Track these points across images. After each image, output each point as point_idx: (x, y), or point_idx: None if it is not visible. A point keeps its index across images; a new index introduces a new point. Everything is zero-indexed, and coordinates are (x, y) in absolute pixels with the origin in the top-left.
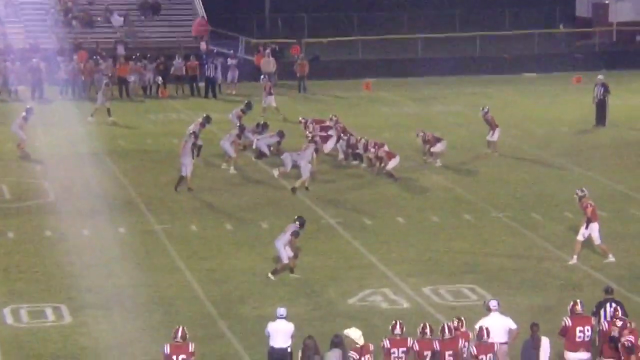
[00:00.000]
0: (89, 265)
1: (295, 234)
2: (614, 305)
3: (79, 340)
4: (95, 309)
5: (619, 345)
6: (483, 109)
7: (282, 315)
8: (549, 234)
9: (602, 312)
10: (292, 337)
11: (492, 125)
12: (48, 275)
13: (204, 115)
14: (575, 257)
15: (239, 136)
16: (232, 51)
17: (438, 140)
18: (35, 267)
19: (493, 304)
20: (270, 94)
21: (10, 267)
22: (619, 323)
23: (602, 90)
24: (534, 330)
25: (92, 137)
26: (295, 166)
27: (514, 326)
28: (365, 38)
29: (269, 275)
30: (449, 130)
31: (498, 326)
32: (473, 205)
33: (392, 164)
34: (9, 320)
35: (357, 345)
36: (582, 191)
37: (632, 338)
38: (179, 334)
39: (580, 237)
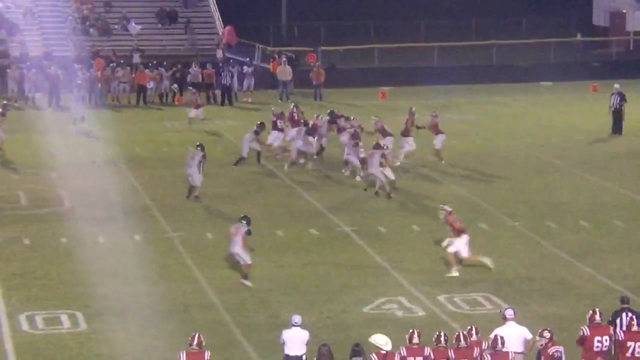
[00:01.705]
0: (104, 272)
1: (249, 232)
2: (630, 315)
3: (94, 347)
4: (110, 316)
5: (544, 356)
6: (432, 112)
7: (297, 323)
8: (565, 243)
9: (618, 321)
10: (307, 344)
11: (436, 131)
12: (64, 282)
13: (258, 122)
14: (454, 269)
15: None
16: (248, 59)
17: (387, 134)
18: (50, 274)
19: (509, 313)
20: (199, 106)
21: (26, 274)
22: (547, 334)
23: (618, 99)
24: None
25: (108, 145)
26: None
27: (529, 336)
28: (382, 46)
29: (243, 281)
30: (464, 139)
31: (514, 336)
32: (488, 214)
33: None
34: (25, 326)
35: (382, 352)
36: (449, 207)
37: (560, 349)
38: (195, 341)
39: (452, 249)
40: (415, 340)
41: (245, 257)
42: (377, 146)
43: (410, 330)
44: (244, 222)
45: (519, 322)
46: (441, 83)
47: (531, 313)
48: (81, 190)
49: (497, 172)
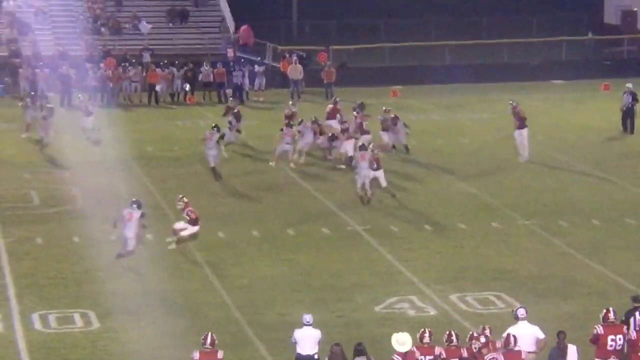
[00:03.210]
0: (116, 271)
1: (143, 215)
2: None
3: (106, 346)
4: (123, 315)
5: None
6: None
7: (308, 322)
8: (576, 242)
9: (631, 320)
10: (319, 343)
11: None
12: (76, 281)
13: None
14: (172, 239)
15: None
16: (259, 58)
17: (365, 132)
18: (63, 273)
19: (521, 312)
20: (89, 114)
21: (39, 273)
22: (482, 339)
23: (630, 99)
24: (560, 338)
25: (119, 144)
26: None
27: (542, 335)
28: (393, 45)
29: (118, 258)
30: (475, 137)
31: (526, 335)
32: (500, 212)
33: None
34: (38, 325)
35: (403, 351)
36: (186, 199)
37: (495, 355)
38: (208, 340)
39: (185, 233)
40: (426, 339)
41: (132, 243)
42: (363, 147)
43: (422, 329)
44: (134, 206)
45: (531, 321)
46: (452, 81)
47: (543, 312)
48: (93, 189)
49: (509, 170)
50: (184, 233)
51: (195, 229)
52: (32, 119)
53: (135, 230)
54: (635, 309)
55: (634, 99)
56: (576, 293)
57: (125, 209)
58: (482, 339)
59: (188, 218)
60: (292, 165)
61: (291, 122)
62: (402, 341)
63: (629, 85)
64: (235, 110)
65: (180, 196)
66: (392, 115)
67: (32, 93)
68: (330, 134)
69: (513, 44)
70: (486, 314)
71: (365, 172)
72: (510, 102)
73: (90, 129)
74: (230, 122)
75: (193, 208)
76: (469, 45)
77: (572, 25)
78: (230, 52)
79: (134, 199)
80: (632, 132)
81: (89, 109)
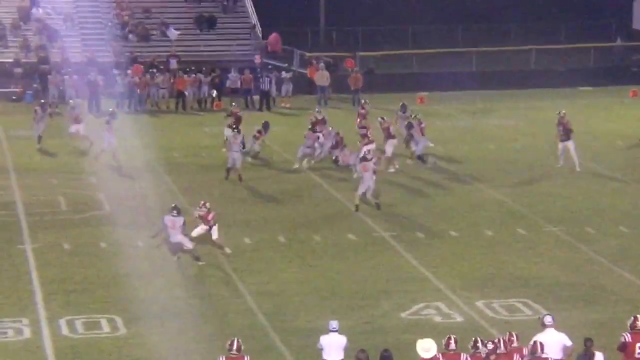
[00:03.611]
0: (143, 277)
1: (185, 223)
2: None
3: (133, 351)
4: (149, 321)
5: None
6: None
7: (334, 328)
8: (604, 249)
9: None
10: (345, 350)
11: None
12: (103, 287)
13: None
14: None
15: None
16: (286, 64)
17: (391, 137)
18: (90, 278)
19: (548, 319)
20: (79, 121)
21: (66, 279)
22: (490, 345)
23: None
24: (587, 346)
25: (147, 150)
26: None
27: (569, 343)
28: (420, 51)
29: (197, 263)
30: (502, 144)
31: (553, 342)
32: (527, 219)
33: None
34: (65, 331)
35: (428, 357)
36: (208, 204)
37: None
38: (235, 346)
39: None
40: (452, 346)
41: (187, 243)
42: (364, 158)
43: (447, 336)
44: (175, 212)
45: (558, 329)
46: (479, 88)
47: (570, 319)
48: (120, 195)
49: (536, 177)
50: (215, 237)
51: (216, 228)
52: (44, 127)
53: (181, 234)
54: None
55: None
56: (603, 300)
57: (165, 217)
58: (490, 345)
59: (204, 221)
60: (296, 166)
61: (315, 128)
62: (427, 348)
63: None
64: (239, 114)
65: (203, 202)
66: (409, 131)
67: (42, 101)
68: (335, 158)
69: (540, 51)
70: (512, 321)
71: (368, 183)
72: (559, 112)
73: (81, 136)
74: (231, 126)
75: (215, 213)
76: (496, 52)
77: (601, 32)
78: (257, 59)
79: (173, 205)
80: None
81: (79, 117)
